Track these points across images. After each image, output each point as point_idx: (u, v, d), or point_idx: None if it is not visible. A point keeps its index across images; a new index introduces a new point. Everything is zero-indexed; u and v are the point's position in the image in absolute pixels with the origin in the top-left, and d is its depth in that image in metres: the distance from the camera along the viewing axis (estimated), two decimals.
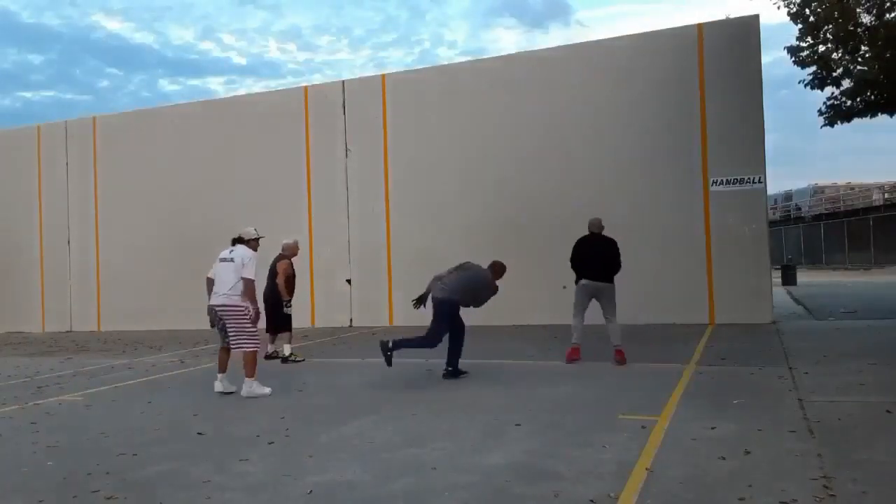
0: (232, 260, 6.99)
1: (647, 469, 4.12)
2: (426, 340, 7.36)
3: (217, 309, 7.04)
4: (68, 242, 17.00)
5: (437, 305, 7.47)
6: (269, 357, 9.74)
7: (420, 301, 7.67)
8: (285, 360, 9.49)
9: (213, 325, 7.38)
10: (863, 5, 11.37)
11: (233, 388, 7.11)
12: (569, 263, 8.65)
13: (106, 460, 4.81)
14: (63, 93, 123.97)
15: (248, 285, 6.88)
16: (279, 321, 9.64)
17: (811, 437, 4.69)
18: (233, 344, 7.03)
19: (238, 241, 7.25)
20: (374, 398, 6.69)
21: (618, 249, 8.37)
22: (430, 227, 13.96)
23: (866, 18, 11.51)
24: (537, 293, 12.68)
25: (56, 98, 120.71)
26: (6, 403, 7.20)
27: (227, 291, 6.93)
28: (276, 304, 9.61)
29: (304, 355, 9.76)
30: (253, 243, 7.28)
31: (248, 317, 6.94)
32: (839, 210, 39.48)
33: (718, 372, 7.33)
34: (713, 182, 12.14)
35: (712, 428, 4.98)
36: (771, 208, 36.32)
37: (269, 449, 4.97)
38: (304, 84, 17.85)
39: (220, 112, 15.94)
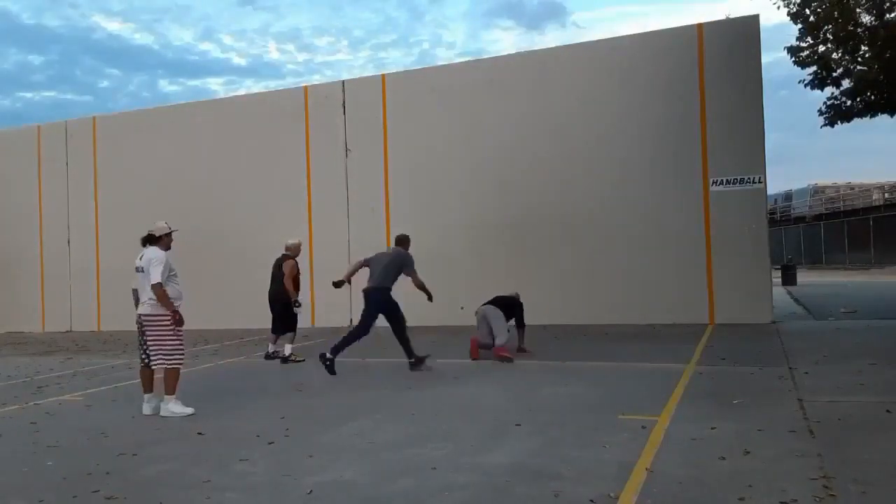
0: (142, 269, 6.20)
1: (647, 469, 4.12)
2: (358, 331, 8.17)
3: (142, 318, 6.29)
4: (68, 242, 17.00)
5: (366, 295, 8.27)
6: (269, 357, 9.75)
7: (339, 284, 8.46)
8: (285, 360, 9.49)
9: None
10: (863, 5, 11.37)
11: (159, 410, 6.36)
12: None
13: (106, 460, 4.81)
14: (63, 93, 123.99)
15: (156, 291, 6.06)
16: (286, 322, 9.66)
17: (811, 437, 4.69)
18: (152, 359, 6.25)
19: (148, 239, 6.35)
20: (374, 398, 6.69)
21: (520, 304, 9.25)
22: (429, 227, 13.95)
23: (866, 18, 11.52)
24: (536, 293, 12.67)
25: (56, 98, 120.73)
26: (6, 403, 7.20)
27: (147, 300, 6.18)
28: (285, 304, 9.62)
29: (304, 355, 9.77)
30: (165, 240, 6.36)
31: (169, 328, 6.17)
32: (839, 210, 39.48)
33: (718, 372, 7.33)
34: (713, 182, 12.14)
35: (712, 428, 4.98)
36: (770, 208, 36.30)
37: (269, 449, 4.96)
38: (304, 84, 17.84)
39: (220, 112, 15.94)
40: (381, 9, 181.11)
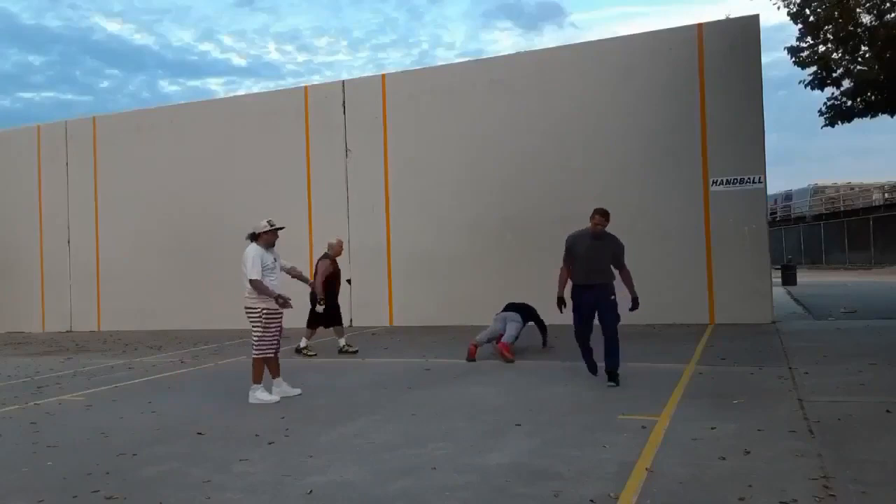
0: (243, 263, 6.70)
1: (647, 469, 4.12)
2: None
3: (245, 310, 6.77)
4: (68, 242, 17.00)
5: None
6: (298, 351, 9.86)
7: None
8: (341, 350, 9.93)
9: None
10: (863, 5, 11.37)
11: (295, 391, 6.90)
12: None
13: (106, 460, 4.81)
14: (63, 93, 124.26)
15: (254, 286, 6.53)
16: (323, 316, 9.87)
17: (811, 437, 4.69)
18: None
19: (252, 236, 6.82)
20: (374, 398, 6.69)
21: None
22: (429, 227, 13.96)
23: (866, 18, 11.53)
24: (537, 294, 12.66)
25: (56, 99, 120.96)
26: (6, 403, 7.20)
27: (245, 294, 6.68)
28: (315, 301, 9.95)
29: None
30: (266, 237, 6.75)
31: (258, 320, 6.62)
32: (839, 210, 39.48)
33: (718, 372, 7.33)
34: (713, 182, 12.13)
35: (712, 428, 4.98)
36: (770, 208, 36.33)
37: (269, 449, 4.96)
38: (304, 84, 17.84)
39: (220, 112, 15.93)
40: (380, 9, 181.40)
